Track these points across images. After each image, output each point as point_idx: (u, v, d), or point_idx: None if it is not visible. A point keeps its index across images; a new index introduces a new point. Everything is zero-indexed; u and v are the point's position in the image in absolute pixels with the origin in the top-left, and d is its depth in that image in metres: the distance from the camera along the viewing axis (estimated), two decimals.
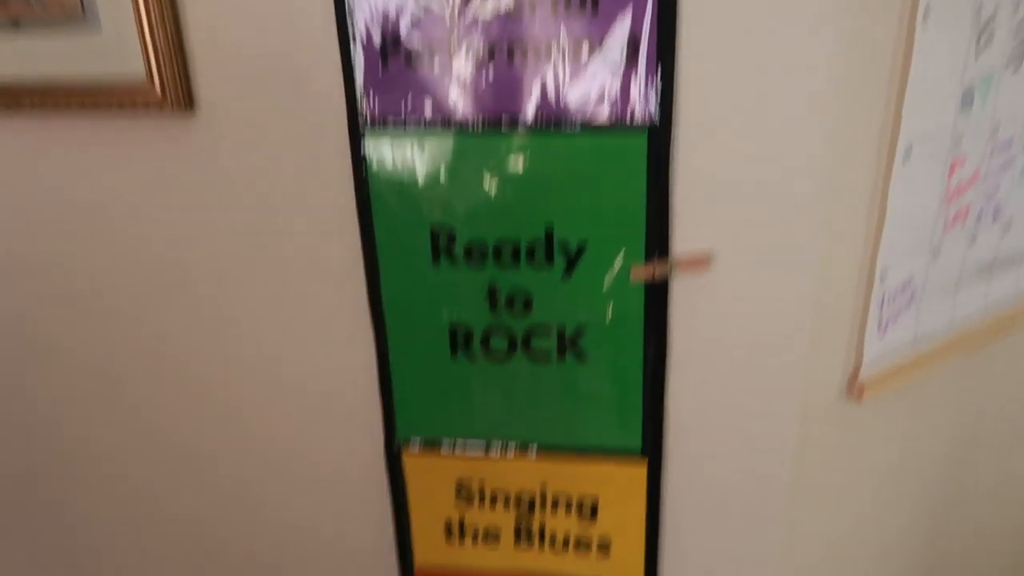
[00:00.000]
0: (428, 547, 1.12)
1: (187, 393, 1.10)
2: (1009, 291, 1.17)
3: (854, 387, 0.98)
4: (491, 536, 1.09)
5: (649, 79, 0.82)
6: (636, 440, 0.99)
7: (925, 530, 1.32)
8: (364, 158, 0.90)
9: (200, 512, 1.19)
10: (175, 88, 0.91)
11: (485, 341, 0.96)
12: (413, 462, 1.06)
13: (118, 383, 1.12)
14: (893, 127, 0.87)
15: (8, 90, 0.95)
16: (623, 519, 1.05)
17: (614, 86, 0.83)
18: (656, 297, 0.91)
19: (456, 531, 1.10)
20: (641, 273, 0.89)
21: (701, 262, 0.88)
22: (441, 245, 0.92)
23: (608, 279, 0.91)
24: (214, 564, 1.24)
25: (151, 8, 0.87)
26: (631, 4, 0.80)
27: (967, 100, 0.95)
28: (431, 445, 1.04)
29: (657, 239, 0.88)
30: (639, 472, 1.01)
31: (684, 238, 0.88)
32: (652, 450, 1.00)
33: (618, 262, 0.90)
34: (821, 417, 0.99)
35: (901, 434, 1.14)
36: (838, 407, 1.00)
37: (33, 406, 1.18)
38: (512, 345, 0.96)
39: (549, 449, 1.02)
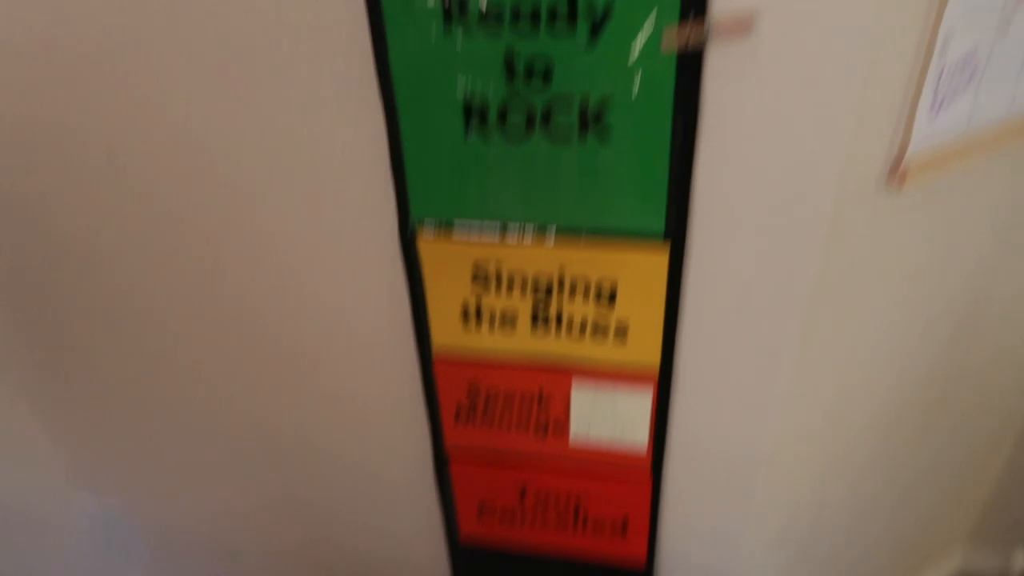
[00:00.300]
0: (445, 331, 1.11)
1: (192, 169, 1.06)
2: None
3: (897, 173, 0.91)
4: (508, 320, 1.07)
5: None
6: (659, 223, 0.94)
7: (947, 338, 1.29)
8: None
9: (215, 281, 1.18)
10: None
11: (502, 116, 0.89)
12: (428, 245, 1.02)
13: (122, 164, 1.08)
14: None
15: None
16: (642, 305, 1.02)
17: None
18: (688, 67, 0.82)
19: (473, 315, 1.08)
20: (674, 38, 0.80)
21: (742, 25, 0.78)
22: (453, 8, 0.82)
23: (637, 46, 0.81)
24: (231, 339, 1.25)
25: None
26: None
27: None
28: (446, 228, 1.00)
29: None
30: (660, 257, 0.97)
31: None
32: (675, 234, 0.95)
33: (649, 25, 0.80)
34: (856, 206, 0.92)
35: (938, 229, 1.07)
36: (875, 196, 0.94)
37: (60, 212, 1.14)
38: (530, 121, 0.89)
39: (568, 232, 0.97)
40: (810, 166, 0.86)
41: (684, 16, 0.78)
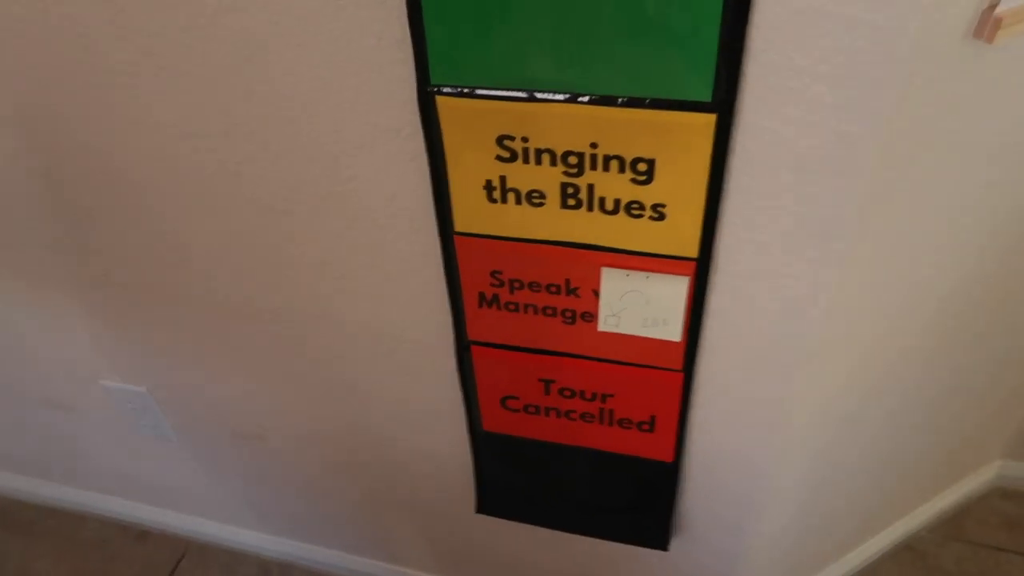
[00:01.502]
0: (468, 210, 1.01)
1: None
2: None
3: (988, 23, 0.77)
4: (535, 197, 0.96)
5: None
6: (706, 89, 0.81)
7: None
8: None
9: (236, 155, 1.08)
10: None
11: None
12: (449, 110, 0.91)
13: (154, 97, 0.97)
14: None
15: None
16: (682, 184, 0.90)
17: None
18: None
19: (498, 191, 0.97)
20: None
21: None
22: None
23: None
24: (251, 222, 1.16)
25: None
26: None
27: None
28: (469, 92, 0.88)
29: None
30: (706, 128, 0.84)
31: None
32: (723, 102, 0.82)
33: None
34: (935, 61, 0.79)
35: None
36: (961, 49, 0.80)
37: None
38: None
39: (602, 100, 0.85)
40: (886, 11, 0.72)
41: None
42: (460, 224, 1.03)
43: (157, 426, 1.72)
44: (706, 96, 0.81)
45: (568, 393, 1.21)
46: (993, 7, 0.76)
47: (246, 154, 1.06)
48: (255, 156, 1.06)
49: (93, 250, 1.33)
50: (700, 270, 0.98)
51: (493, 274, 1.07)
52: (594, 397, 1.20)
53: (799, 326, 1.00)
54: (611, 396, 1.19)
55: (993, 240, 1.16)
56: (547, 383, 1.21)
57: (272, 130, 1.02)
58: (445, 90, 0.89)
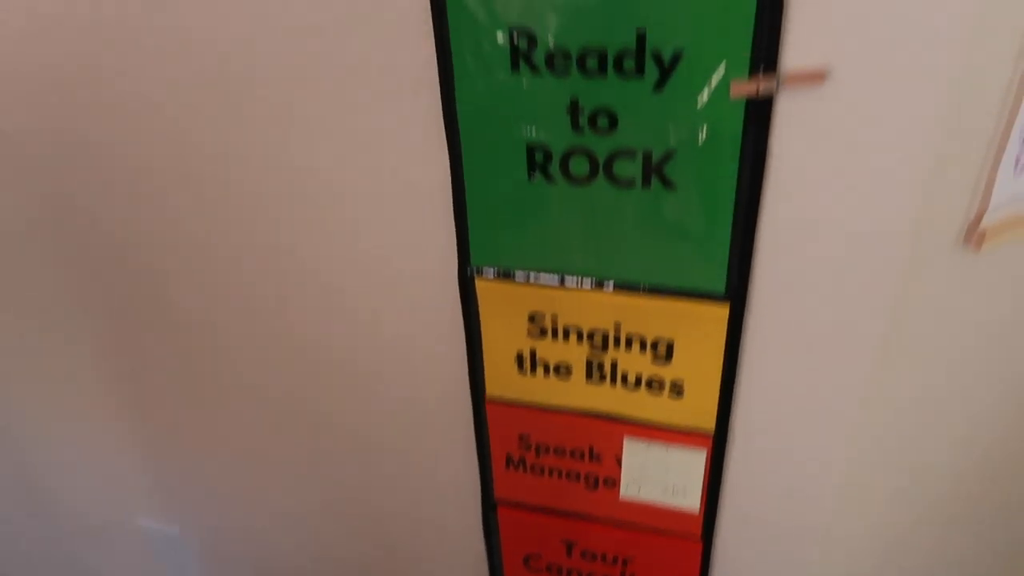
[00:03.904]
0: (499, 378, 1.06)
1: (259, 198, 1.04)
2: None
3: (974, 233, 0.83)
4: (562, 370, 1.01)
5: None
6: (720, 282, 0.87)
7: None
8: None
9: (283, 305, 1.15)
10: None
11: (564, 163, 0.85)
12: (486, 290, 0.98)
13: (193, 175, 1.07)
14: None
15: None
16: (699, 364, 0.95)
17: None
18: (757, 117, 0.76)
19: (528, 363, 1.03)
20: (743, 89, 0.75)
21: (814, 77, 0.73)
22: (520, 50, 0.79)
23: (704, 95, 0.76)
24: (295, 351, 1.21)
25: None
26: None
27: None
28: (505, 274, 0.96)
29: (765, 47, 0.72)
30: (720, 317, 0.90)
31: (796, 46, 0.72)
32: (736, 293, 0.88)
33: (717, 75, 0.75)
34: (930, 266, 0.84)
35: (1017, 291, 0.98)
36: (951, 256, 0.86)
37: (132, 186, 1.15)
38: (594, 168, 0.84)
39: (626, 286, 0.92)
40: (882, 223, 0.79)
41: (754, 67, 0.73)
42: (492, 390, 1.07)
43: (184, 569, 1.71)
44: (720, 288, 0.88)
45: (590, 556, 1.21)
46: (979, 219, 0.82)
47: (298, 315, 1.14)
48: (308, 316, 1.13)
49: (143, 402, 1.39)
50: (717, 444, 1.01)
51: (521, 438, 1.11)
52: (615, 561, 1.20)
53: (813, 502, 1.01)
54: (631, 561, 1.18)
55: (997, 415, 1.18)
56: (570, 545, 1.21)
57: (326, 300, 1.10)
58: (484, 272, 0.96)
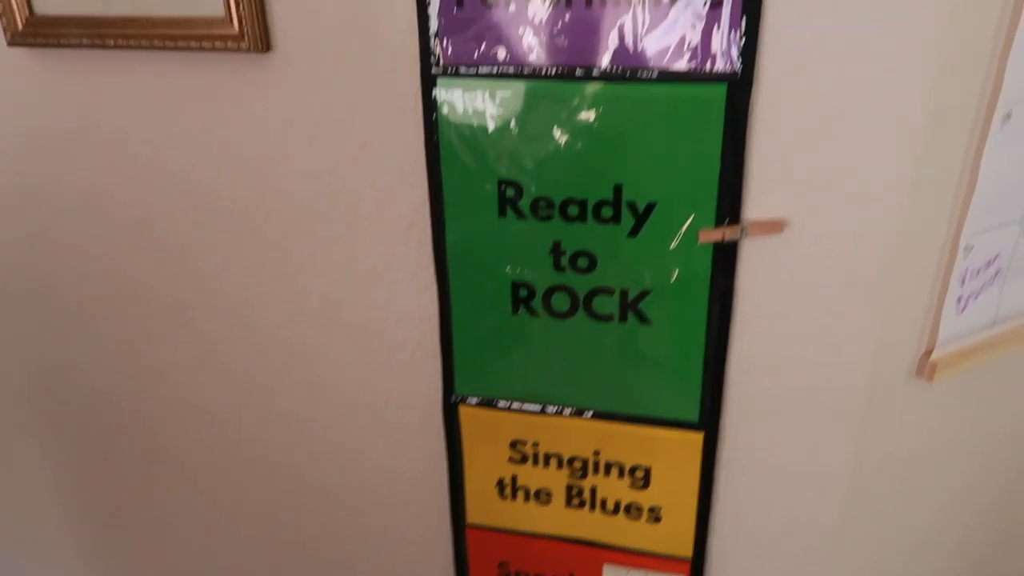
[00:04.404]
0: (480, 504, 1.07)
1: (253, 329, 1.07)
2: None
3: (926, 367, 0.89)
4: (543, 496, 1.04)
5: (732, 28, 0.74)
6: (694, 412, 0.92)
7: (986, 527, 1.22)
8: (435, 103, 0.84)
9: (263, 437, 1.16)
10: (252, 27, 0.86)
11: (547, 299, 0.90)
12: (470, 417, 1.01)
13: (188, 316, 1.10)
14: (993, 88, 0.77)
15: (93, 24, 0.92)
16: (676, 491, 0.98)
17: (695, 34, 0.75)
18: (724, 260, 0.83)
19: (509, 489, 1.05)
20: (710, 236, 0.82)
21: (774, 226, 0.80)
22: (508, 198, 0.86)
23: (675, 240, 0.84)
24: (273, 484, 1.21)
25: None
26: None
27: None
28: (488, 402, 0.99)
29: (729, 200, 0.80)
30: (695, 445, 0.94)
31: (758, 199, 0.80)
32: (709, 423, 0.92)
33: (687, 224, 0.82)
34: (888, 396, 0.90)
35: (971, 418, 1.04)
36: (907, 386, 0.92)
37: (107, 334, 1.17)
38: (574, 305, 0.90)
39: (605, 414, 0.96)
40: (841, 357, 0.85)
41: (720, 217, 0.81)
42: (472, 517, 1.09)
43: None
44: (694, 417, 0.92)
45: None
46: (929, 353, 0.89)
47: (281, 438, 1.15)
48: (291, 439, 1.15)
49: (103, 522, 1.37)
50: (695, 570, 1.02)
51: (500, 565, 1.11)
52: None
53: None
54: None
55: (961, 538, 1.21)
56: None
57: (311, 432, 1.12)
58: (467, 400, 0.99)
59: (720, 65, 0.76)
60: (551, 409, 0.97)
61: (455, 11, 0.80)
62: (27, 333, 1.21)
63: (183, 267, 1.06)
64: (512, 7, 0.79)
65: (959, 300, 0.88)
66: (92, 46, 0.94)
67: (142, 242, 1.06)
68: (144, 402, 1.20)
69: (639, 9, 0.76)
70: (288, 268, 1.01)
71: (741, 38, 0.74)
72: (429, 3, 0.80)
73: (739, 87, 0.76)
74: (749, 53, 0.75)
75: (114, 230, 1.07)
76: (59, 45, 0.95)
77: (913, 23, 0.70)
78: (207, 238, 1.03)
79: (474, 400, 0.99)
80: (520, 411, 0.98)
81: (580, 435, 0.98)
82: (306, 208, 0.96)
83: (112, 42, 0.92)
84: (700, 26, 0.75)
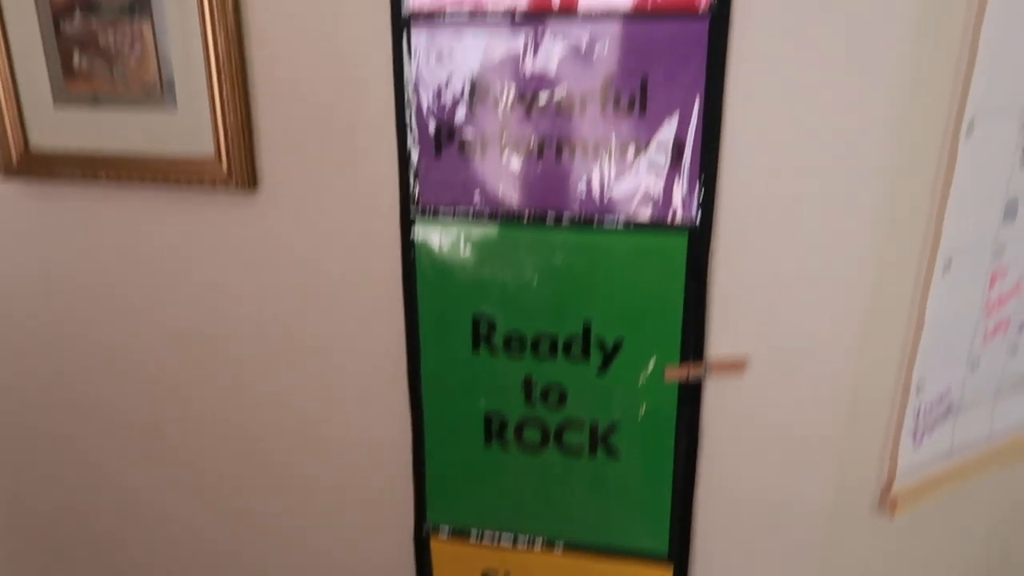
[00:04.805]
0: None
1: (232, 451, 1.08)
2: None
3: (887, 500, 0.92)
4: None
5: (692, 181, 0.80)
6: (663, 544, 0.93)
7: None
8: (413, 242, 0.89)
9: (238, 550, 1.15)
10: (240, 167, 0.91)
11: (519, 432, 0.93)
12: (440, 549, 1.01)
13: (168, 438, 1.10)
14: (934, 238, 0.83)
15: (87, 160, 0.96)
16: None
17: (657, 186, 0.81)
18: (689, 397, 0.86)
19: None
20: (675, 374, 0.85)
21: (736, 366, 0.84)
22: (482, 333, 0.89)
23: (642, 377, 0.87)
24: None
25: (224, 90, 0.88)
26: (678, 109, 0.78)
27: (1010, 211, 0.91)
28: (459, 532, 1.00)
29: (693, 340, 0.84)
30: None
31: (720, 340, 0.84)
32: (678, 555, 0.93)
33: (653, 361, 0.86)
34: (851, 528, 0.93)
35: (933, 549, 1.06)
36: (869, 518, 0.94)
37: (88, 451, 1.16)
38: (545, 437, 0.92)
39: (575, 546, 0.96)
40: (803, 492, 0.87)
41: (684, 356, 0.84)
42: None
43: None
44: (663, 550, 0.93)
45: None
46: (889, 487, 0.92)
47: (252, 558, 1.13)
48: (260, 558, 1.13)
49: None
50: None
51: None
52: None
53: None
54: None
55: None
56: None
57: (286, 551, 1.11)
58: (439, 530, 1.00)
59: (681, 216, 0.81)
60: (522, 540, 0.97)
61: (434, 158, 0.86)
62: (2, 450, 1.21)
63: (163, 390, 1.07)
64: (487, 157, 0.84)
65: (915, 435, 0.92)
66: (84, 181, 0.97)
67: (122, 369, 1.08)
68: (121, 521, 1.18)
69: (605, 163, 0.81)
70: (266, 393, 1.02)
71: (700, 191, 0.80)
72: (410, 150, 0.86)
73: (699, 236, 0.81)
74: (708, 205, 0.80)
75: (94, 357, 1.08)
76: (51, 179, 0.99)
77: (857, 183, 0.76)
78: (188, 364, 1.04)
79: (445, 530, 1.00)
80: (491, 542, 0.98)
81: (551, 568, 0.98)
82: (286, 336, 0.99)
83: (104, 178, 0.96)
84: (662, 180, 0.80)
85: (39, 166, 0.98)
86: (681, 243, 0.82)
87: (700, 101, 0.78)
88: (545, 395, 0.90)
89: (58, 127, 0.97)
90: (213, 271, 0.98)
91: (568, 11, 0.78)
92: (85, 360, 1.09)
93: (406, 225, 0.88)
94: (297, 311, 0.97)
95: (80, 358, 1.09)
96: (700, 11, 0.75)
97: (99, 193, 0.99)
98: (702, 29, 0.76)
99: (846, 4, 0.72)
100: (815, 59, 0.74)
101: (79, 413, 1.13)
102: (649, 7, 0.76)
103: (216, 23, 0.86)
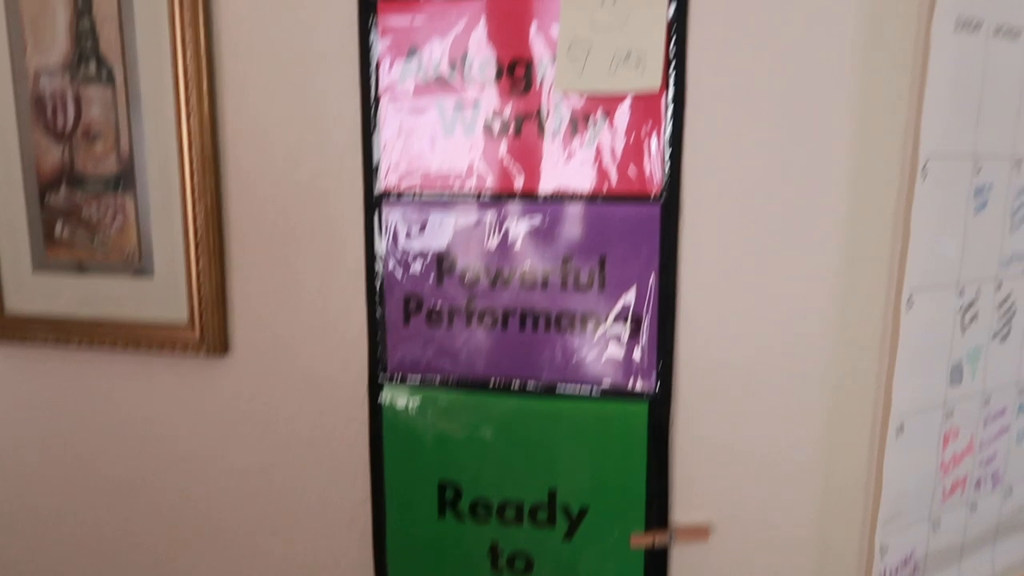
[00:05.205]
0: None
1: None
2: (1016, 556, 1.11)
3: None
4: None
5: (651, 351, 0.83)
6: None
7: None
8: (381, 407, 0.90)
9: None
10: (213, 333, 0.93)
11: None
12: None
13: None
14: (884, 404, 0.86)
15: (60, 325, 0.98)
16: None
17: (618, 356, 0.84)
18: (656, 564, 0.87)
19: None
20: (641, 541, 0.86)
21: (700, 533, 0.85)
22: (448, 499, 0.90)
23: (608, 544, 0.87)
24: None
25: (201, 261, 0.92)
26: (635, 284, 0.83)
27: (956, 375, 0.95)
28: None
29: (657, 507, 0.85)
30: None
31: (684, 506, 0.85)
32: None
33: (618, 528, 0.87)
34: None
35: None
36: None
37: None
38: None
39: None
40: None
41: (649, 522, 0.85)
42: None
43: None
44: None
45: None
46: None
47: None
48: None
49: None
50: None
51: None
52: None
53: None
54: None
55: None
56: None
57: None
58: None
59: (641, 384, 0.84)
60: None
61: (403, 326, 0.89)
62: None
63: (135, 552, 1.05)
64: (454, 327, 0.87)
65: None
66: (57, 345, 0.99)
67: (92, 534, 1.06)
68: None
69: (568, 334, 0.85)
70: (230, 555, 1.01)
71: (659, 361, 0.83)
72: (379, 318, 0.89)
73: (659, 404, 0.84)
74: (666, 374, 0.83)
75: (62, 519, 1.07)
76: (25, 342, 1.00)
77: (807, 353, 0.81)
78: (154, 526, 1.03)
79: None
80: None
81: None
82: (251, 500, 0.98)
83: (77, 342, 0.98)
84: (622, 350, 0.84)
85: (13, 329, 1.00)
86: (642, 411, 0.84)
87: (655, 277, 0.82)
88: (511, 562, 0.89)
89: (35, 292, 0.99)
90: (182, 434, 0.99)
91: (530, 194, 0.84)
92: (50, 526, 1.07)
93: (374, 390, 0.90)
94: (264, 474, 0.97)
95: (46, 523, 1.07)
96: (652, 196, 0.81)
97: (71, 357, 1.00)
98: (655, 212, 0.81)
99: (780, 190, 0.78)
100: (759, 239, 0.80)
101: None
102: (605, 192, 0.82)
103: (197, 199, 0.91)
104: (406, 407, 0.90)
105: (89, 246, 0.97)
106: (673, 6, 0.77)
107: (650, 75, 0.78)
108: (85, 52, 0.92)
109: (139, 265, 0.96)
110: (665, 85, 0.79)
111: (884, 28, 0.77)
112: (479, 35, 0.82)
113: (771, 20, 0.76)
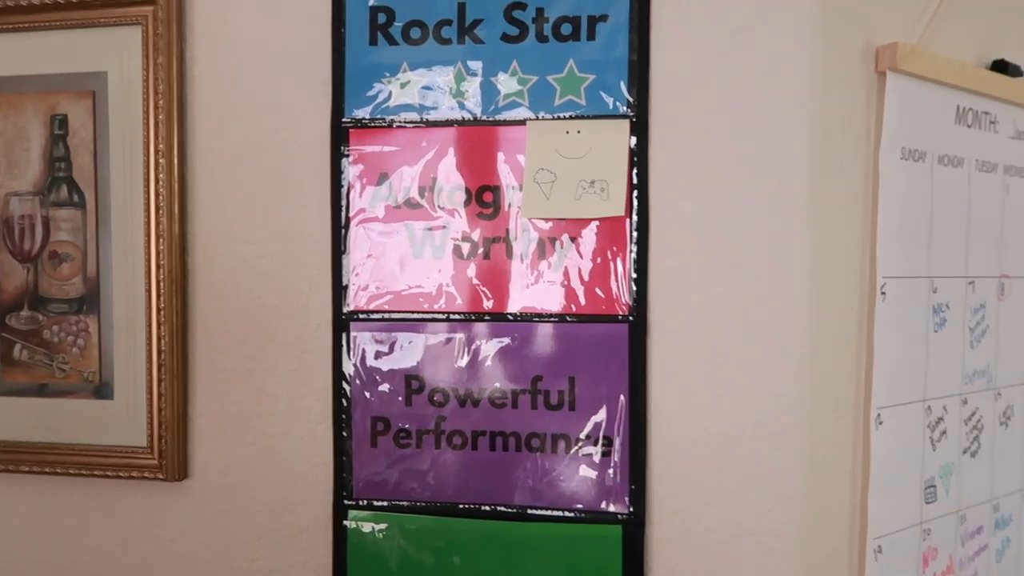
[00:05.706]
0: None
1: None
2: None
3: None
4: None
5: (623, 472, 0.83)
6: None
7: None
8: (346, 531, 0.87)
9: None
10: (172, 458, 0.91)
11: None
12: None
13: None
14: (861, 528, 0.85)
15: (12, 447, 0.95)
16: None
17: (590, 478, 0.83)
18: None
19: None
20: None
21: None
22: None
23: None
24: None
25: (164, 384, 0.90)
26: (605, 405, 0.83)
27: (930, 494, 0.95)
28: None
29: None
30: None
31: None
32: None
33: None
34: None
35: None
36: None
37: None
38: None
39: None
40: None
41: None
42: None
43: None
44: None
45: None
46: None
47: None
48: None
49: None
50: None
51: None
52: None
53: None
54: None
55: None
56: None
57: None
58: None
59: (614, 506, 0.83)
60: None
61: (370, 448, 0.87)
62: None
63: None
64: (423, 448, 0.86)
65: None
66: (5, 471, 0.95)
67: None
68: None
69: (539, 455, 0.84)
70: None
71: (631, 482, 0.82)
72: (346, 440, 0.87)
73: (633, 525, 0.82)
74: (639, 495, 0.82)
75: None
76: None
77: (780, 473, 0.80)
78: None
79: None
80: None
81: None
82: None
83: (27, 468, 0.94)
84: (594, 471, 0.83)
85: None
86: (616, 533, 0.83)
87: (625, 396, 0.83)
88: None
89: None
90: (136, 563, 0.95)
91: (499, 314, 0.84)
92: None
93: (339, 514, 0.88)
94: None
95: None
96: (620, 316, 0.82)
97: (20, 482, 0.96)
98: (623, 331, 0.83)
99: (744, 309, 0.80)
100: (727, 357, 0.81)
101: None
102: (574, 312, 0.83)
103: (163, 320, 0.90)
104: (372, 532, 0.87)
105: (48, 368, 0.95)
106: (634, 138, 0.81)
107: (614, 201, 0.81)
108: (57, 177, 0.93)
109: (98, 388, 0.94)
110: (629, 210, 0.82)
111: (836, 157, 0.82)
112: (448, 163, 0.85)
113: (728, 150, 0.80)
